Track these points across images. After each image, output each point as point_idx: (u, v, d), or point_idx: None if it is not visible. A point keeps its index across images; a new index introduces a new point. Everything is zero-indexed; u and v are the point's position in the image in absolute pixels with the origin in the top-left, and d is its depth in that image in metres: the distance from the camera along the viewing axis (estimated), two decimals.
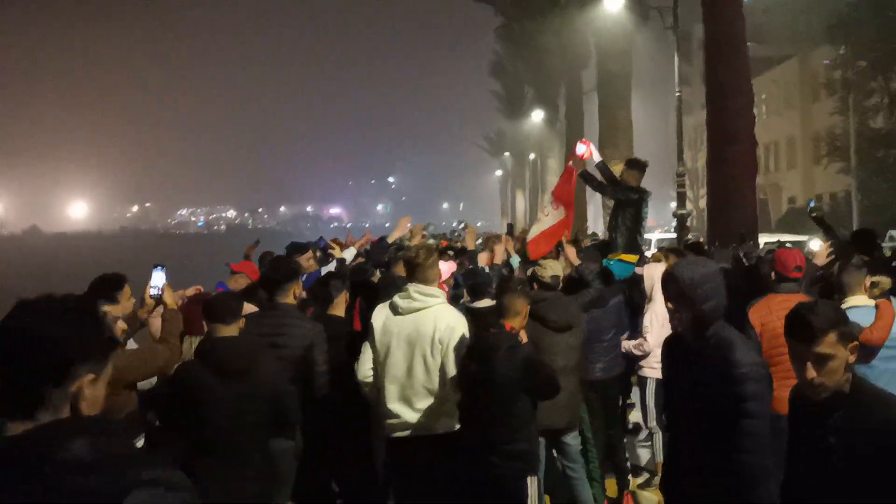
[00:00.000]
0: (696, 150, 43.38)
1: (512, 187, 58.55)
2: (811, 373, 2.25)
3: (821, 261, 5.94)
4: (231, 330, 3.49)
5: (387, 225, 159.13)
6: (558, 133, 35.21)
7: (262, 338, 3.91)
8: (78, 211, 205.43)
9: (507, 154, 57.72)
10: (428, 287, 3.95)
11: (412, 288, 3.93)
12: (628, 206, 6.80)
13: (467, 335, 3.88)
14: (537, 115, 37.00)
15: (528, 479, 3.66)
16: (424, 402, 3.86)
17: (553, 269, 4.89)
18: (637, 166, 6.98)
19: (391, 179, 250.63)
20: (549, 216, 7.11)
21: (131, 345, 3.97)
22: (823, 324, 2.24)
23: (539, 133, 38.51)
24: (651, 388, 5.66)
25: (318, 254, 7.73)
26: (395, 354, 3.88)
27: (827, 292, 4.83)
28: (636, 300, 6.04)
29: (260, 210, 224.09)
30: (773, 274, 4.58)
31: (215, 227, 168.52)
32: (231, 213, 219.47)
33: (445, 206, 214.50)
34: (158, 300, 3.80)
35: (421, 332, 3.84)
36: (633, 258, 6.60)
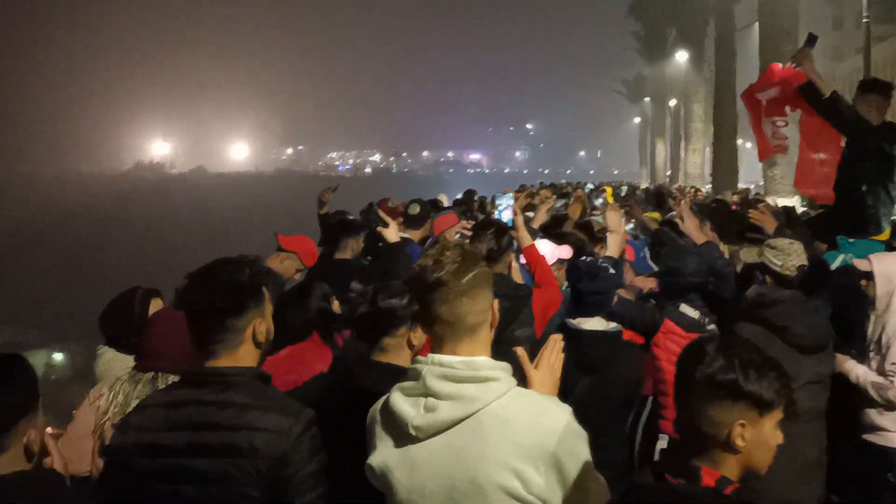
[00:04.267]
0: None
1: (651, 135, 55.27)
2: None
3: None
4: None
5: (524, 172, 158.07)
6: (704, 76, 32.40)
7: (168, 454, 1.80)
8: (239, 153, 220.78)
9: (646, 100, 54.29)
10: (470, 358, 1.67)
11: (430, 369, 1.66)
12: (877, 153, 4.40)
13: (586, 453, 1.65)
14: (681, 56, 34.18)
15: None
16: None
17: (796, 255, 3.13)
18: (879, 89, 4.55)
19: (529, 126, 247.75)
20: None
21: None
22: None
23: (682, 77, 35.64)
24: None
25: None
26: None
27: None
28: (850, 308, 3.42)
29: (404, 154, 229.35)
30: None
31: (365, 170, 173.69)
32: (377, 157, 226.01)
33: (582, 153, 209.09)
34: None
35: (474, 476, 1.62)
36: (884, 236, 4.36)
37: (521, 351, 1.82)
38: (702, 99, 33.97)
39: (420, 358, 1.71)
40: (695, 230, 3.88)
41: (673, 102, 42.64)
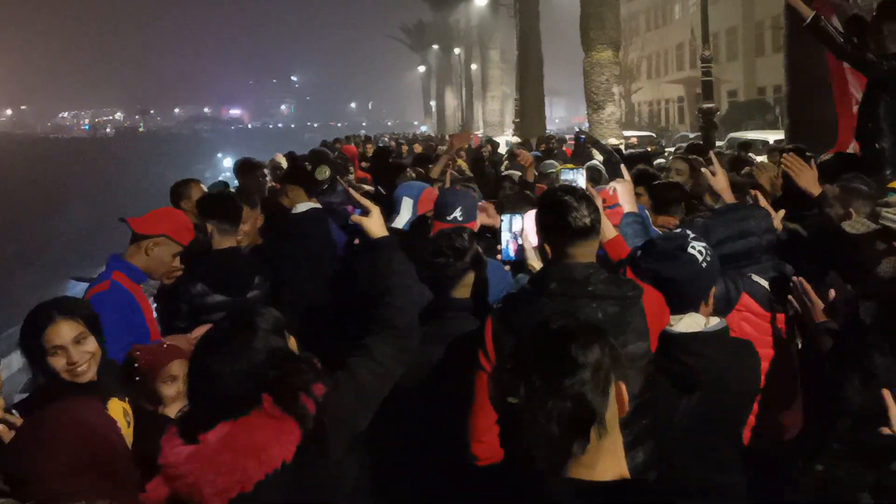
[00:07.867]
0: (627, 41, 43.76)
1: (438, 84, 55.13)
2: None
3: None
4: None
5: (292, 126, 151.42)
6: (502, 21, 32.37)
7: None
8: None
9: (435, 47, 53.83)
10: None
11: None
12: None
13: None
14: (480, 1, 33.85)
15: None
16: None
17: None
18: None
19: (294, 78, 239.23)
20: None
21: None
22: None
23: (475, 23, 35.40)
24: None
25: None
26: None
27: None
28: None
29: (152, 112, 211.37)
30: None
31: (106, 130, 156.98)
32: (119, 116, 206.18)
33: (353, 105, 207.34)
34: None
35: None
36: None
37: None
38: (498, 45, 34.20)
39: None
40: (727, 187, 3.26)
41: (457, 51, 42.54)
